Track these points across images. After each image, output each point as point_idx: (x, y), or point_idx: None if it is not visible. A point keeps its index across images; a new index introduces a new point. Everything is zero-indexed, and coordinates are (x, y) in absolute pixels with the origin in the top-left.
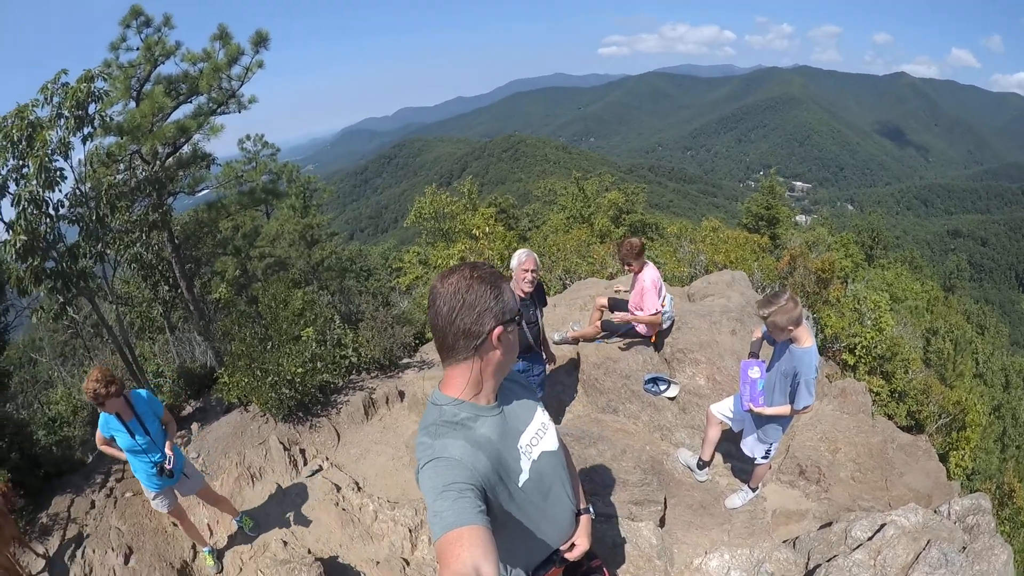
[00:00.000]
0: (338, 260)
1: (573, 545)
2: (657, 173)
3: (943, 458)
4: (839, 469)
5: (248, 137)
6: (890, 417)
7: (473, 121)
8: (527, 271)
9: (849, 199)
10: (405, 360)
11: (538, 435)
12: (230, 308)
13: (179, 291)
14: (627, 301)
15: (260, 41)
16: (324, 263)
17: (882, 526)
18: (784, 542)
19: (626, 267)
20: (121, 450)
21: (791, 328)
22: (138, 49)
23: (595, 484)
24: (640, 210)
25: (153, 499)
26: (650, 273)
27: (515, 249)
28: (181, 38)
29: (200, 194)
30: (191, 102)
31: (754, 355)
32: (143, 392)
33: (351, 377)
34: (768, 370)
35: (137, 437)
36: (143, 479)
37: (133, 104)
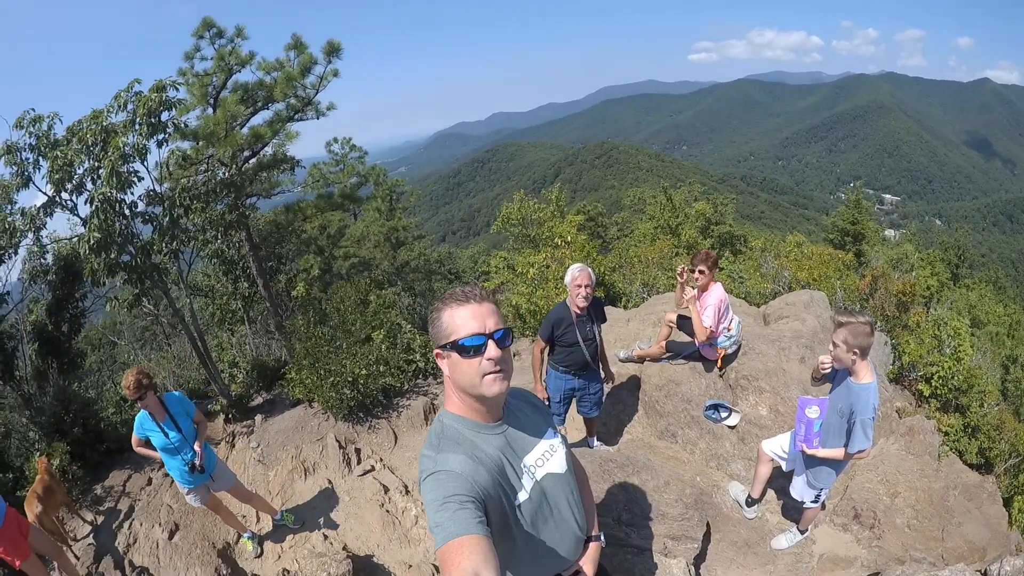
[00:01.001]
0: (426, 262)
1: (578, 572)
2: (749, 183)
3: (1007, 502)
4: (895, 515)
5: (336, 140)
6: (961, 454)
7: (565, 127)
8: (580, 286)
9: (937, 213)
10: None
11: (544, 456)
12: (307, 306)
13: (257, 287)
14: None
15: (332, 51)
16: (410, 264)
17: None
18: None
19: (697, 274)
20: (156, 450)
21: (855, 354)
22: (212, 59)
23: (633, 514)
24: (729, 221)
25: (187, 495)
26: (718, 291)
27: (594, 260)
28: (267, 47)
29: (277, 196)
30: (268, 108)
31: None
32: (176, 393)
33: (416, 381)
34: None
35: (171, 435)
36: (177, 476)
37: (211, 110)
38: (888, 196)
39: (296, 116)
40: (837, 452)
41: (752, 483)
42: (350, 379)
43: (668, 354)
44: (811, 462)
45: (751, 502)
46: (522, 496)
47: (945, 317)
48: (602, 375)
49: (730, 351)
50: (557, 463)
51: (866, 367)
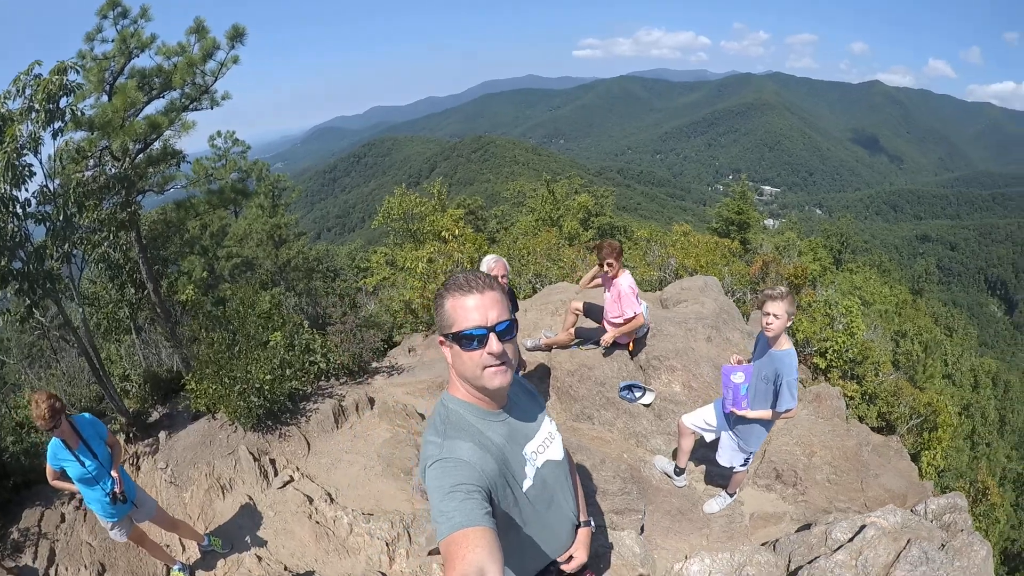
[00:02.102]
0: (305, 260)
1: (571, 557)
2: (626, 176)
3: (915, 458)
4: (815, 472)
5: (219, 134)
6: (861, 419)
7: (444, 121)
8: (496, 277)
9: (818, 204)
10: (374, 365)
11: (544, 443)
12: (197, 310)
13: (146, 292)
14: (602, 307)
15: (236, 36)
16: (291, 263)
17: (862, 527)
18: (763, 545)
19: (605, 266)
20: (72, 482)
21: (791, 319)
22: (113, 41)
23: None
24: (609, 213)
25: (111, 529)
26: (628, 278)
27: (485, 252)
28: (157, 31)
29: (168, 192)
30: (164, 97)
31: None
32: (86, 415)
33: (320, 384)
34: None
35: (87, 463)
36: (98, 510)
37: (106, 98)
38: (768, 187)
39: (191, 105)
40: (766, 412)
41: (677, 455)
42: (257, 385)
43: (577, 340)
44: (741, 428)
45: (679, 471)
46: (526, 484)
47: (835, 297)
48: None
49: (640, 334)
50: (555, 450)
51: (786, 335)
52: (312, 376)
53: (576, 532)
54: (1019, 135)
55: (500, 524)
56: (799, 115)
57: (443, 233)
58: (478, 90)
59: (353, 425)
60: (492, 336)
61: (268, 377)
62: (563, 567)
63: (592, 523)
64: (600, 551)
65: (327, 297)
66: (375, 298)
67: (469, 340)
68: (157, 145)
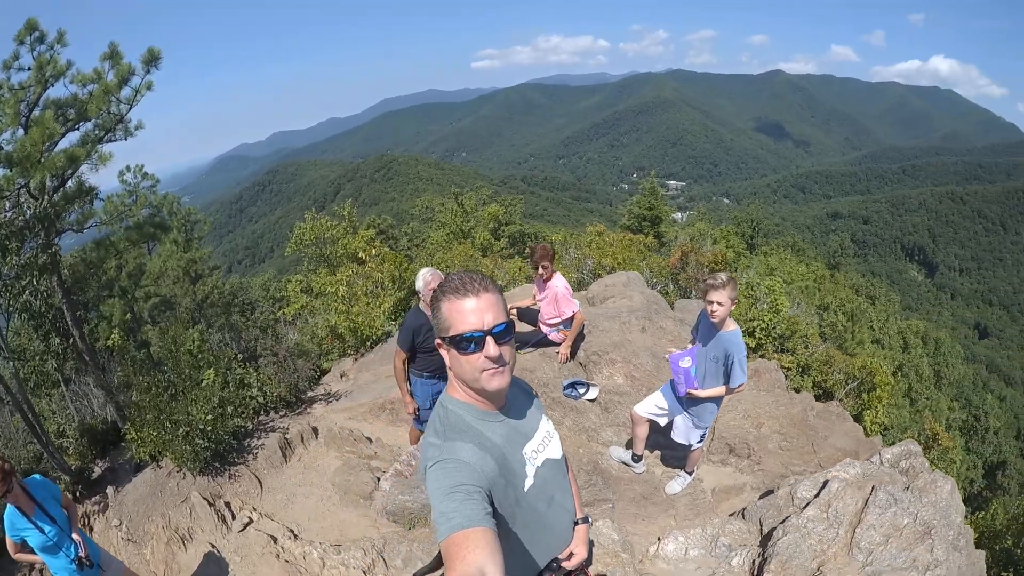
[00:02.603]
0: (221, 295)
1: (571, 554)
2: (530, 183)
3: (857, 419)
4: (766, 442)
5: (128, 168)
6: (798, 390)
7: (346, 142)
8: (492, 279)
9: (725, 193)
10: (311, 394)
11: (544, 442)
12: (124, 356)
13: (71, 341)
14: (537, 312)
15: (152, 60)
16: (208, 299)
17: (825, 483)
18: (732, 515)
19: (540, 270)
20: (35, 552)
21: (735, 303)
22: (30, 69)
23: None
24: (518, 221)
25: None
26: (562, 279)
27: (406, 269)
28: (70, 56)
29: (87, 231)
30: (78, 128)
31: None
32: (37, 477)
33: (260, 418)
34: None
35: (47, 529)
36: None
37: (22, 131)
38: (673, 182)
39: (106, 136)
40: (720, 389)
41: (633, 444)
42: (200, 427)
43: (515, 345)
44: (694, 406)
45: (637, 458)
46: (527, 484)
47: (756, 279)
48: None
49: (576, 331)
50: (554, 449)
51: (730, 317)
52: (251, 411)
53: (574, 529)
54: (925, 109)
55: (502, 524)
56: (700, 109)
57: (360, 254)
58: (379, 108)
59: (301, 457)
60: (489, 339)
61: (210, 417)
62: (564, 564)
63: (590, 520)
64: None
65: (248, 331)
66: (294, 327)
67: (466, 343)
68: (72, 182)
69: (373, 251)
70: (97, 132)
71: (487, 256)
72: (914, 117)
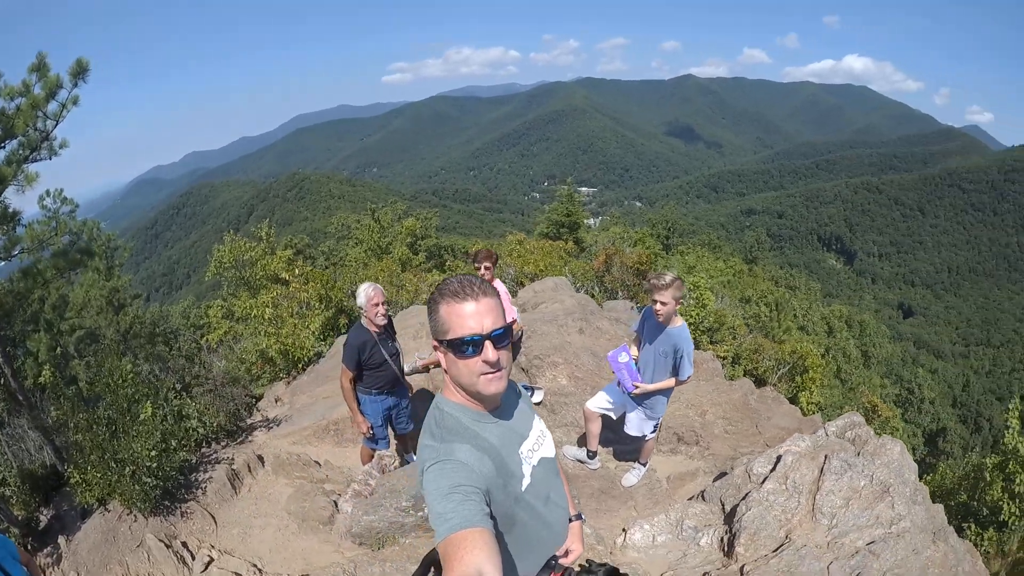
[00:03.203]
0: (143, 325)
1: (568, 551)
2: (442, 196)
3: (793, 401)
4: (712, 428)
5: (48, 193)
6: (732, 379)
7: (259, 161)
8: (377, 304)
9: (637, 197)
10: (249, 421)
11: (538, 442)
12: (56, 393)
13: (1, 380)
14: None
15: (80, 72)
16: (132, 330)
17: (779, 457)
18: (691, 499)
19: (483, 271)
20: None
21: (679, 302)
22: None
23: None
24: (434, 235)
25: None
26: (502, 285)
27: (333, 287)
28: None
29: (14, 258)
30: (3, 147)
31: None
32: None
33: (203, 451)
34: (644, 350)
35: None
36: None
37: None
38: (585, 188)
39: (31, 155)
40: (669, 382)
41: (587, 440)
42: (147, 464)
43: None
44: (645, 398)
45: (592, 455)
46: (524, 483)
47: (681, 276)
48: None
49: (516, 337)
50: (548, 447)
51: (676, 314)
52: (194, 444)
53: (569, 526)
54: (835, 106)
55: (502, 524)
56: (610, 116)
57: (283, 275)
58: (290, 125)
59: (251, 487)
60: (488, 343)
61: (154, 453)
62: (561, 561)
63: (583, 516)
64: None
65: (175, 360)
66: (218, 354)
67: (465, 347)
68: None
69: (296, 271)
70: (23, 151)
71: (407, 271)
72: (827, 114)
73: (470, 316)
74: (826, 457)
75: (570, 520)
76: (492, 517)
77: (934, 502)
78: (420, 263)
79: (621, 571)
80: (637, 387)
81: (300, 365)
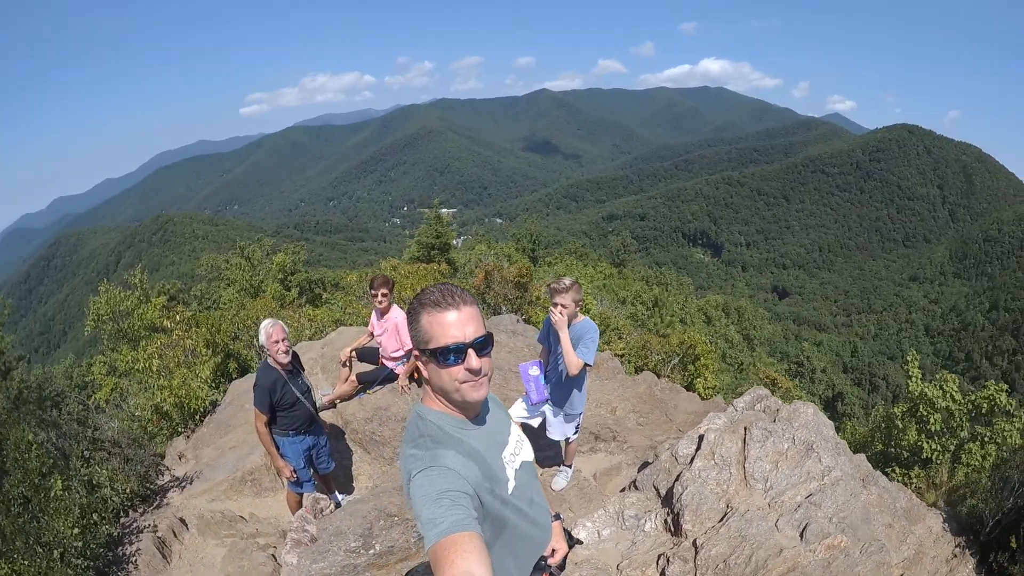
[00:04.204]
0: (30, 390)
1: (553, 550)
2: (303, 230)
3: (689, 388)
4: (625, 422)
5: None
6: (639, 371)
7: (122, 204)
8: (277, 342)
9: (496, 214)
10: (160, 483)
11: (518, 446)
12: None
13: None
14: (376, 349)
15: None
16: (21, 396)
17: (701, 437)
18: (622, 491)
19: (380, 298)
20: None
21: (579, 305)
22: None
23: None
24: (303, 269)
25: None
26: (400, 311)
27: (219, 331)
28: None
29: None
30: None
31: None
32: None
33: (121, 521)
34: (552, 355)
35: None
36: None
37: None
38: (444, 209)
39: None
40: (575, 356)
41: None
42: (76, 544)
43: (361, 386)
44: (560, 399)
45: None
46: (510, 487)
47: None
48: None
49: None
50: (527, 451)
51: (579, 315)
52: (112, 514)
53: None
54: (692, 108)
55: (493, 527)
56: (466, 135)
57: (165, 322)
58: (151, 164)
59: (181, 554)
60: (471, 351)
61: (77, 531)
62: (549, 560)
63: (561, 516)
64: None
65: (69, 426)
66: (107, 414)
67: (447, 355)
68: None
69: (177, 317)
70: None
71: (285, 307)
72: (683, 117)
73: (452, 325)
74: (746, 428)
75: (551, 520)
76: (482, 521)
77: (854, 454)
78: (293, 299)
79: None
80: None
81: (197, 416)
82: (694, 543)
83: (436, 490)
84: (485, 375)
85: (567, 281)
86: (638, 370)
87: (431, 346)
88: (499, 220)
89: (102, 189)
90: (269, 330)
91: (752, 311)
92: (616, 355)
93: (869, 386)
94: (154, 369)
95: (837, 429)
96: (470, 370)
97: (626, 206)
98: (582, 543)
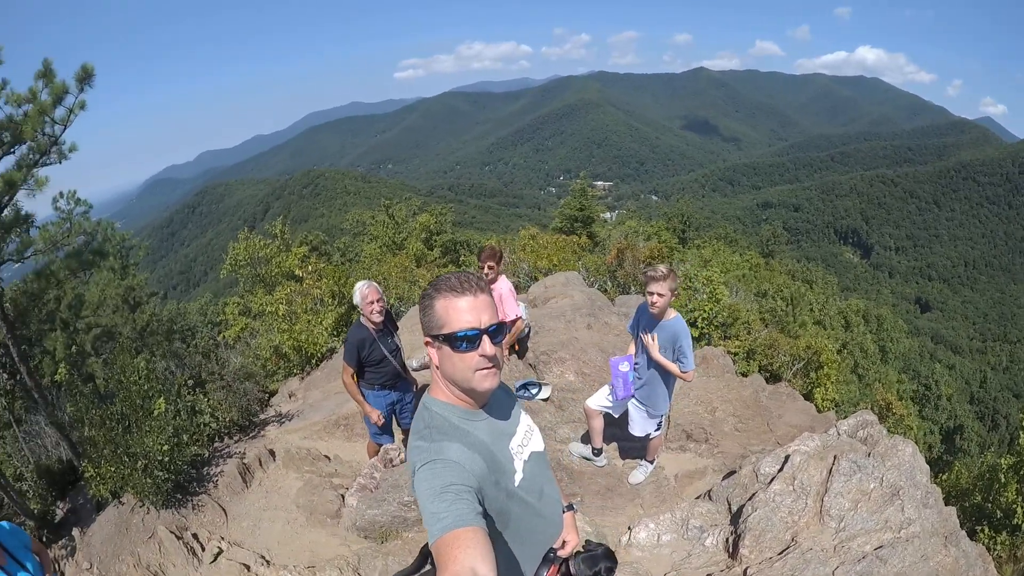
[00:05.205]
0: (160, 323)
1: (564, 542)
2: (457, 192)
3: (808, 397)
4: (722, 425)
5: (61, 194)
6: (745, 375)
7: (272, 159)
8: (372, 302)
9: (652, 191)
10: (262, 416)
11: (527, 436)
12: (72, 390)
13: (19, 378)
14: None
15: (85, 78)
16: (148, 327)
17: (787, 457)
18: (698, 498)
19: (486, 271)
20: None
21: (676, 295)
22: None
23: None
24: (449, 230)
25: None
26: (506, 282)
27: (346, 284)
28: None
29: (27, 260)
30: (13, 152)
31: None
32: (6, 525)
33: (215, 445)
34: (640, 351)
35: None
36: None
37: None
38: (600, 182)
39: (40, 160)
40: (675, 366)
41: (591, 438)
42: (159, 458)
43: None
44: (644, 395)
45: (597, 452)
46: (517, 479)
47: (693, 270)
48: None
49: (522, 335)
50: (537, 441)
51: (671, 307)
52: (206, 438)
53: (563, 517)
54: (848, 98)
55: (497, 521)
56: (624, 109)
57: (297, 271)
58: (303, 123)
59: (262, 481)
60: (486, 338)
61: (166, 447)
62: (559, 552)
63: (575, 507)
64: None
65: (192, 357)
66: (235, 350)
67: (460, 342)
68: (8, 209)
69: (310, 268)
70: (32, 155)
71: (421, 266)
72: (840, 105)
73: (467, 311)
74: (835, 458)
75: (563, 511)
76: (487, 515)
77: (948, 503)
78: (435, 259)
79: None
80: (634, 398)
81: (314, 361)
82: (745, 571)
83: (440, 484)
84: (497, 363)
85: (663, 268)
86: (761, 369)
87: (445, 331)
88: (654, 197)
89: (251, 145)
90: (364, 291)
91: (892, 321)
92: (730, 352)
93: (991, 423)
94: (280, 313)
95: (947, 468)
96: (484, 356)
97: (781, 195)
98: (574, 508)
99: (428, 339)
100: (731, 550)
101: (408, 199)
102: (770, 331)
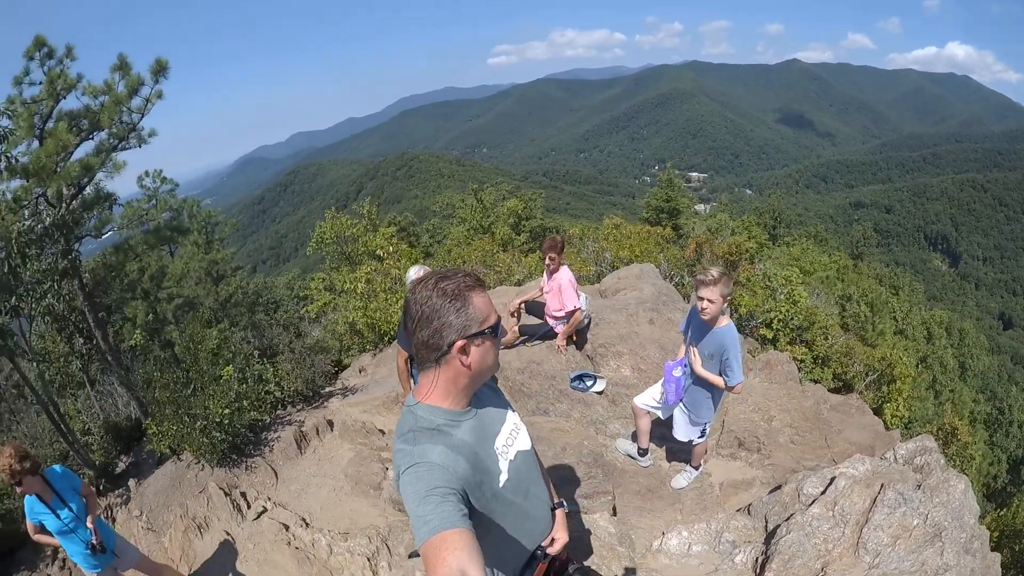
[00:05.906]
0: (245, 295)
1: (553, 540)
2: (552, 178)
3: (877, 411)
4: (777, 435)
5: (147, 173)
6: (816, 382)
7: (365, 142)
8: None
9: (747, 184)
10: (328, 389)
11: (512, 435)
12: (147, 355)
13: (95, 342)
14: (543, 304)
15: (160, 70)
16: (232, 299)
17: (832, 479)
18: (738, 511)
19: (548, 260)
20: (53, 535)
21: (728, 301)
22: (41, 83)
23: None
24: (539, 215)
25: None
26: (568, 272)
27: (431, 264)
28: (80, 69)
29: (105, 236)
30: (92, 138)
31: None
32: (58, 468)
33: (277, 412)
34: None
35: (62, 514)
36: (81, 562)
37: (37, 143)
38: (695, 174)
39: (119, 145)
40: (719, 379)
41: (637, 436)
42: (217, 420)
43: (522, 338)
44: (689, 402)
45: (642, 452)
46: (502, 479)
47: (773, 270)
48: None
49: (583, 324)
50: (523, 440)
51: (724, 314)
52: (268, 405)
53: (553, 515)
54: (939, 96)
55: (482, 522)
56: (719, 100)
57: (378, 251)
58: (396, 107)
59: (316, 449)
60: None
61: (226, 411)
62: (548, 550)
63: (565, 504)
64: (576, 537)
65: (271, 329)
66: (318, 325)
67: (498, 329)
68: (90, 189)
69: (391, 248)
70: (111, 141)
71: (506, 251)
72: (931, 103)
73: (489, 300)
74: (882, 486)
75: (553, 509)
76: (473, 515)
77: (999, 546)
78: (522, 243)
79: None
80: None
81: (387, 339)
82: None
83: (424, 487)
84: None
85: (715, 272)
86: (836, 377)
87: (491, 322)
88: (748, 191)
89: (344, 127)
90: (415, 277)
91: (974, 336)
92: (795, 359)
93: None
94: (359, 291)
95: (1009, 499)
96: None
97: (873, 195)
98: (564, 506)
99: (465, 340)
100: (758, 571)
101: (498, 184)
102: (848, 337)
